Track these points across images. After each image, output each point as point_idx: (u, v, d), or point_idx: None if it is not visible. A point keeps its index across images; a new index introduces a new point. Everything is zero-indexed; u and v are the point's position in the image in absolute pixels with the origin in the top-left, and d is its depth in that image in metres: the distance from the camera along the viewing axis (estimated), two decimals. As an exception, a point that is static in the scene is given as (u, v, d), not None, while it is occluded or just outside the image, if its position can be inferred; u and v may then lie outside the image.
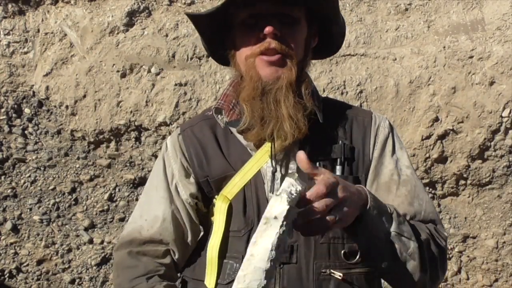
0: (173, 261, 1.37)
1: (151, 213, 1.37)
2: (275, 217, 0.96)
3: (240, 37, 1.30)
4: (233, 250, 1.27)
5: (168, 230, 1.34)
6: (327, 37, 1.41)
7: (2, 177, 3.23)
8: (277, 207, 0.96)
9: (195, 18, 1.35)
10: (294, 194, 0.97)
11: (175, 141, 1.41)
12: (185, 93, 3.25)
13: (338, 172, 1.31)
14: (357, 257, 1.27)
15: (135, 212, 1.42)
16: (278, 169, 1.31)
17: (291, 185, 0.98)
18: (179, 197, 1.37)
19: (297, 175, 0.99)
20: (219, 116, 1.37)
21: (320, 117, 1.32)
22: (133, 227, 1.38)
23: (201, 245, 1.38)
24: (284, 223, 0.96)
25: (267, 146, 1.29)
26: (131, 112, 3.24)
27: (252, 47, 1.27)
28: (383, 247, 1.16)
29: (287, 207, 0.96)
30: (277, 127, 1.25)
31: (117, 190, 3.30)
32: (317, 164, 1.29)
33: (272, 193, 1.29)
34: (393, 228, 1.16)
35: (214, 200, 1.34)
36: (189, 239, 1.37)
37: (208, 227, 1.38)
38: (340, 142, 1.32)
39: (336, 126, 1.36)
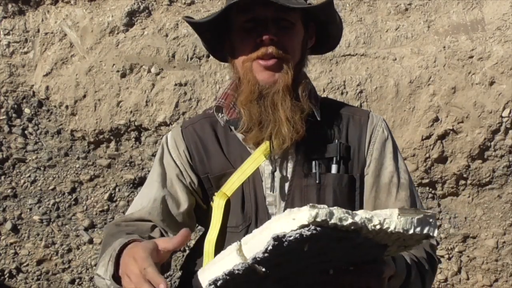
0: (162, 236, 1.34)
1: (146, 199, 1.38)
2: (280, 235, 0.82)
3: (238, 41, 1.34)
4: (230, 245, 1.29)
5: (157, 210, 1.34)
6: (325, 35, 1.44)
7: (2, 177, 3.23)
8: (282, 226, 0.82)
9: (194, 25, 1.38)
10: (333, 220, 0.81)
11: (177, 135, 1.43)
12: (185, 93, 3.25)
13: (333, 171, 1.33)
14: None
15: (134, 202, 1.42)
16: (278, 169, 1.33)
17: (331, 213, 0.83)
18: (180, 181, 1.37)
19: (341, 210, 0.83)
20: (219, 114, 1.39)
21: (317, 115, 1.34)
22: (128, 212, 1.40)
23: (201, 242, 1.39)
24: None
25: (265, 145, 1.31)
26: (131, 112, 3.24)
27: (249, 51, 1.30)
28: None
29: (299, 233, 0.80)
30: (275, 130, 1.28)
31: (117, 190, 3.30)
32: (313, 163, 1.32)
33: (271, 191, 1.31)
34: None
35: (214, 197, 1.35)
36: (181, 221, 1.36)
37: (207, 224, 1.39)
38: (335, 141, 1.35)
39: (332, 125, 1.38)
